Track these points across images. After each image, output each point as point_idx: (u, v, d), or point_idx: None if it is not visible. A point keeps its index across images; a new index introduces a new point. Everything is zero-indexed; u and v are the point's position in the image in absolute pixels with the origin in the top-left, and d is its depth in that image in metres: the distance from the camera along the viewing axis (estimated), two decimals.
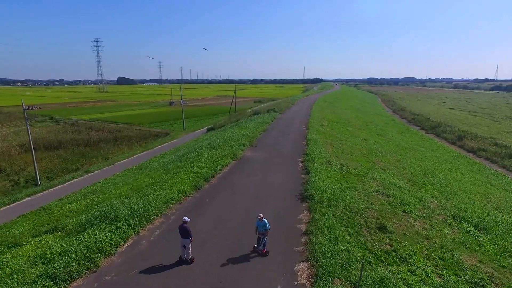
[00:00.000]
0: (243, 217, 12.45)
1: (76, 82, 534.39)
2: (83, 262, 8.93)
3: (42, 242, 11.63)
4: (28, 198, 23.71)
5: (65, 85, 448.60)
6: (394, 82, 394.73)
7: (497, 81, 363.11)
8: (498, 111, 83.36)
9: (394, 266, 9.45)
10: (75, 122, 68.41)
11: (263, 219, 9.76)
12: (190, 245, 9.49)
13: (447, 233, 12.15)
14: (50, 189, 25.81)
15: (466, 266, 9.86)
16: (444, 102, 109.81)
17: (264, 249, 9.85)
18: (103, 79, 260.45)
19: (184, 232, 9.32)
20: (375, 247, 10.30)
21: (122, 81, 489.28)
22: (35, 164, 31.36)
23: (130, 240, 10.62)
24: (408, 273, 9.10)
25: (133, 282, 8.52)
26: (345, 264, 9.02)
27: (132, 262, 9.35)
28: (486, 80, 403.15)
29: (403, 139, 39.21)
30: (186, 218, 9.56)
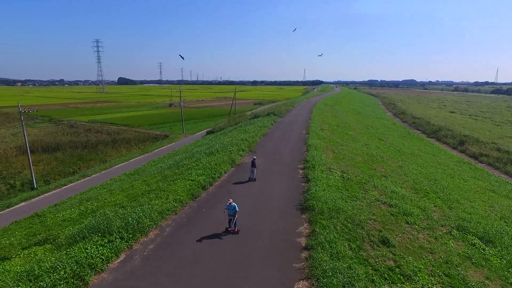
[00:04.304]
0: (241, 231, 11.97)
1: (76, 83, 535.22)
2: (72, 280, 8.48)
3: (32, 255, 11.20)
4: (23, 203, 23.32)
5: (66, 85, 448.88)
6: (395, 85, 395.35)
7: (497, 84, 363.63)
8: (499, 114, 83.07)
9: (398, 284, 9.02)
10: (74, 123, 68.06)
11: (233, 203, 11.57)
12: (255, 171, 17.38)
13: (452, 246, 11.72)
14: (46, 194, 25.44)
15: (473, 284, 9.43)
16: (445, 105, 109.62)
17: (236, 229, 11.71)
18: (103, 79, 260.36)
19: (253, 164, 17.34)
20: (378, 263, 9.87)
21: (122, 81, 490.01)
22: (31, 168, 30.96)
23: (122, 254, 10.17)
24: None
25: None
26: (347, 284, 8.59)
27: (124, 280, 8.92)
28: (487, 83, 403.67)
29: (404, 144, 38.83)
30: (254, 157, 18.09)
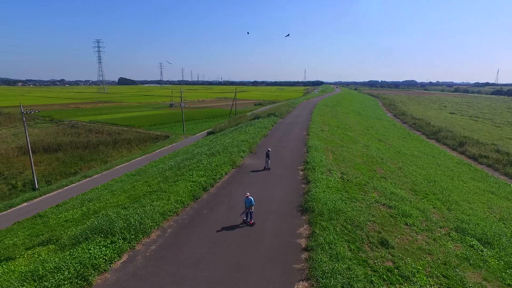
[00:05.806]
0: (242, 232, 12.12)
1: (77, 83, 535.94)
2: (76, 280, 8.63)
3: (35, 255, 11.35)
4: (25, 204, 23.46)
5: (66, 85, 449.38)
6: (395, 85, 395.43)
7: (497, 85, 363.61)
8: (499, 116, 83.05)
9: (397, 285, 9.16)
10: (75, 124, 68.24)
11: (250, 197, 12.46)
12: (269, 161, 19.85)
13: (450, 247, 11.86)
14: (48, 194, 25.59)
15: (470, 285, 9.56)
16: (445, 106, 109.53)
17: (251, 221, 12.53)
18: (104, 79, 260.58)
19: (267, 155, 19.74)
20: (376, 264, 10.00)
21: (123, 81, 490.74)
22: (33, 169, 31.11)
23: (125, 255, 10.32)
24: None
25: None
26: (347, 284, 8.73)
27: (127, 281, 9.07)
28: (487, 84, 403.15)
29: (404, 145, 38.92)
30: (269, 149, 20.41)
